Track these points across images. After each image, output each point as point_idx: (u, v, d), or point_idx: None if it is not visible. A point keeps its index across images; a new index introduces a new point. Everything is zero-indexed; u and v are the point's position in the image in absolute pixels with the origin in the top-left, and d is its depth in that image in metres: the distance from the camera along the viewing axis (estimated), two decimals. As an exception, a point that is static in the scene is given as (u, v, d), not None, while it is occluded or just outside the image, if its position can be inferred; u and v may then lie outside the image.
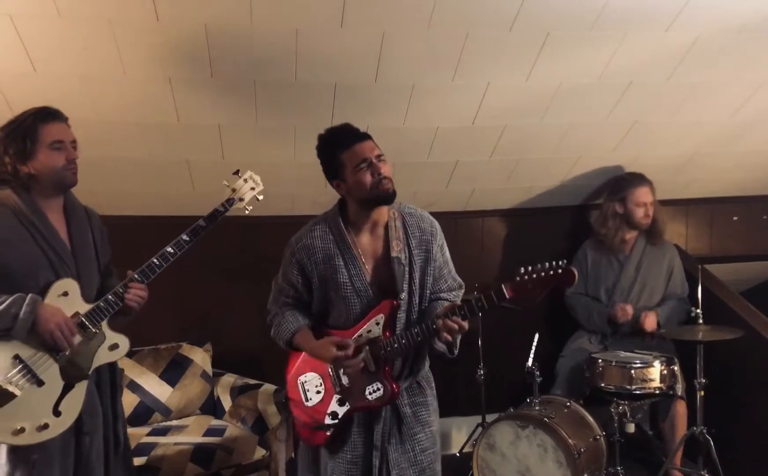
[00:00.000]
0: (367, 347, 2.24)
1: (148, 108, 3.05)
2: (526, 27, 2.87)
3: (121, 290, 2.26)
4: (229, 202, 2.46)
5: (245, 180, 2.52)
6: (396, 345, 2.22)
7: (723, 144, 3.92)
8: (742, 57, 3.25)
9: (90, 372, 2.23)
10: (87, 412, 2.23)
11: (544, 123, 3.51)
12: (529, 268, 2.11)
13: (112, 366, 2.37)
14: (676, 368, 3.35)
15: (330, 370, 2.31)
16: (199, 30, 2.69)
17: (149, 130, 3.18)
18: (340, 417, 2.29)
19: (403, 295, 2.27)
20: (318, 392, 2.33)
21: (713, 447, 3.16)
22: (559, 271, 2.08)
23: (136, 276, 2.29)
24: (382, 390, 2.24)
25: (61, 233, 2.27)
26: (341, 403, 2.29)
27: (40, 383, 2.13)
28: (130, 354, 3.46)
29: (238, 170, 2.53)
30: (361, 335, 2.26)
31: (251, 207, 2.53)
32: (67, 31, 2.62)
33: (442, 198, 3.96)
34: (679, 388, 3.41)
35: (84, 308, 2.23)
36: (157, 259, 2.31)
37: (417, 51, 2.94)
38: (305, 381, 2.36)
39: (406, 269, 2.28)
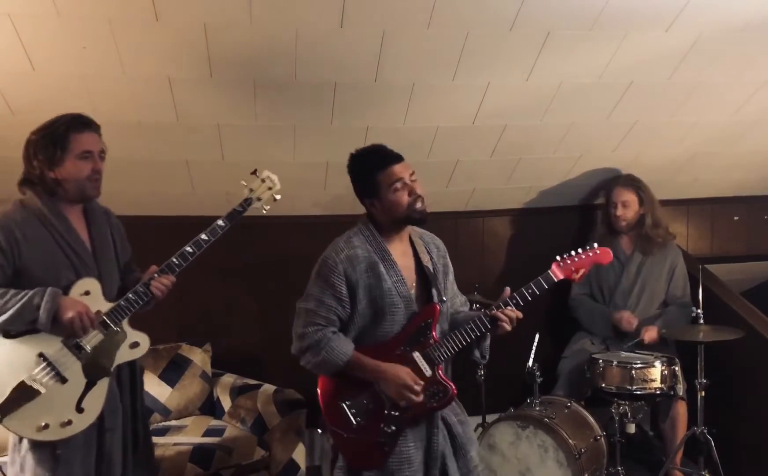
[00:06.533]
0: (418, 353, 2.24)
1: (148, 108, 3.05)
2: (526, 27, 2.87)
3: (141, 289, 2.30)
4: (247, 202, 2.50)
5: (263, 180, 2.56)
6: (444, 347, 2.25)
7: (724, 144, 3.92)
8: (743, 57, 3.25)
9: (112, 370, 2.28)
10: (108, 409, 2.29)
11: (545, 123, 3.51)
12: (571, 253, 2.35)
13: (132, 364, 2.42)
14: (676, 368, 3.35)
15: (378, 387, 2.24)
16: (199, 30, 2.69)
17: (149, 130, 3.17)
18: (398, 425, 2.22)
19: (445, 299, 2.33)
20: (368, 410, 2.24)
21: (714, 447, 3.16)
22: (598, 252, 2.35)
23: (156, 274, 2.33)
24: (441, 392, 2.23)
25: (82, 236, 2.33)
26: (394, 409, 2.22)
27: (63, 380, 2.20)
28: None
29: (255, 170, 2.56)
30: (410, 340, 2.25)
31: (269, 207, 2.56)
32: (66, 30, 2.61)
33: (442, 198, 3.95)
34: (680, 388, 3.40)
35: (106, 306, 2.28)
36: (176, 258, 2.35)
37: (417, 51, 2.94)
38: (349, 404, 2.26)
39: (436, 278, 2.35)
